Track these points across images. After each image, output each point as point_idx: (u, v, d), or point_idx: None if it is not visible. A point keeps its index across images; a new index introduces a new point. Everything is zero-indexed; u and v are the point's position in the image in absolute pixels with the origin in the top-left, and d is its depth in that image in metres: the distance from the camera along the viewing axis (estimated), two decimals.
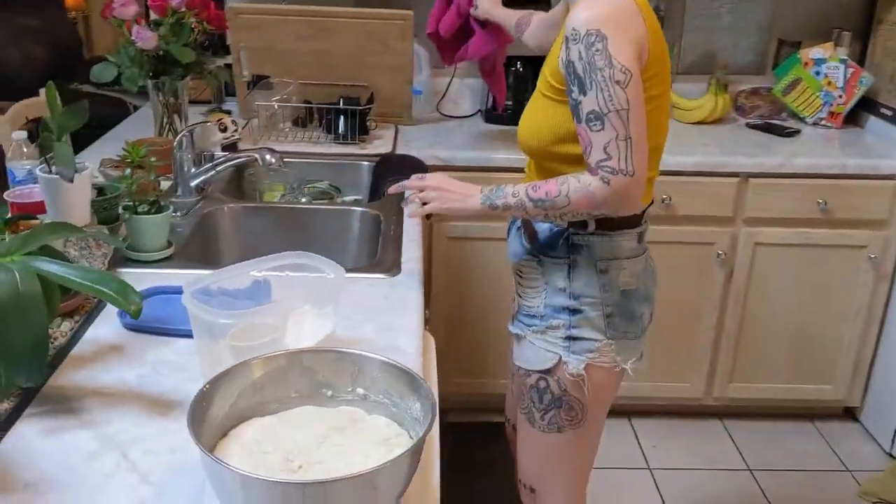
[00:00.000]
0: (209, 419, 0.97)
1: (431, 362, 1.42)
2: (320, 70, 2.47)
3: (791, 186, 2.50)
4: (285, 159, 2.28)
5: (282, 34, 2.45)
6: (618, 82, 1.26)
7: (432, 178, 1.53)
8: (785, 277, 2.61)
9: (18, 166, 1.64)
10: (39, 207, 1.52)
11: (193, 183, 1.90)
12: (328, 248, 1.92)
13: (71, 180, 1.41)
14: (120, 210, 1.61)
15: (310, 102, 2.42)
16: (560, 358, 1.49)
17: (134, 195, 1.59)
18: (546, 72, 1.41)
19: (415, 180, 1.54)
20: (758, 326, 2.68)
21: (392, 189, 1.60)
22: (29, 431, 1.08)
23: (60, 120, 1.43)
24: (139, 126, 2.52)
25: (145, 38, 1.97)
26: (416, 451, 0.92)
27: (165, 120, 2.14)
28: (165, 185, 1.97)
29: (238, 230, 1.90)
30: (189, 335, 1.22)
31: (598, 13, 1.27)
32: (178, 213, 1.83)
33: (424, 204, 1.51)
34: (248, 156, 1.83)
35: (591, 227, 1.43)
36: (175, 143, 1.88)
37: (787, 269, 2.61)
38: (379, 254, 1.69)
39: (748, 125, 2.82)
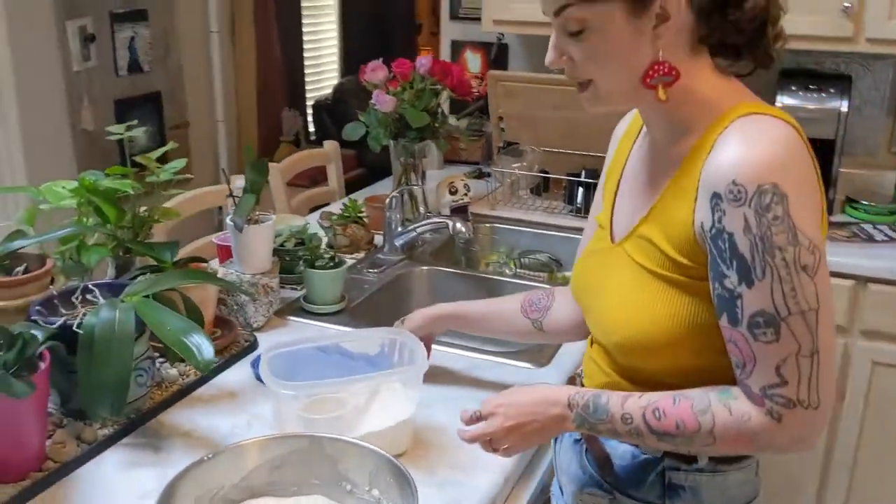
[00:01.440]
0: (204, 496, 0.96)
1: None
2: (569, 139, 2.40)
3: None
4: (517, 227, 2.28)
5: (537, 102, 2.43)
6: (804, 268, 0.85)
7: (494, 418, 1.03)
8: None
9: None
10: None
11: (398, 242, 1.95)
12: None
13: (240, 230, 1.52)
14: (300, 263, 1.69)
15: (546, 172, 2.36)
16: None
17: (313, 249, 1.68)
18: (655, 236, 0.97)
19: (473, 429, 1.05)
20: None
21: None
22: (111, 460, 1.18)
23: (250, 174, 1.56)
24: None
25: (383, 102, 2.08)
26: None
27: (403, 179, 2.23)
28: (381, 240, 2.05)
29: (429, 292, 1.90)
30: None
31: (770, 158, 0.86)
32: (375, 270, 1.89)
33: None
34: (440, 222, 1.84)
35: (703, 460, 1.01)
36: (386, 203, 1.95)
37: None
38: None
39: None
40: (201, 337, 1.16)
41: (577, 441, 1.13)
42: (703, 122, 0.95)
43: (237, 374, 1.43)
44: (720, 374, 0.94)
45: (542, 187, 2.40)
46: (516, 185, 2.38)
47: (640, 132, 1.09)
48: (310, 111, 4.57)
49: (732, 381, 0.93)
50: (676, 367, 0.97)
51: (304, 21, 4.54)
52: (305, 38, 4.55)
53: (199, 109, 3.83)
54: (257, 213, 1.58)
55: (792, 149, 0.88)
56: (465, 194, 2.24)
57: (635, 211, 1.03)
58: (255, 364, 1.44)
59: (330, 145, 2.69)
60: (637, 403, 0.95)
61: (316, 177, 3.04)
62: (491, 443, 1.04)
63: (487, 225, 2.26)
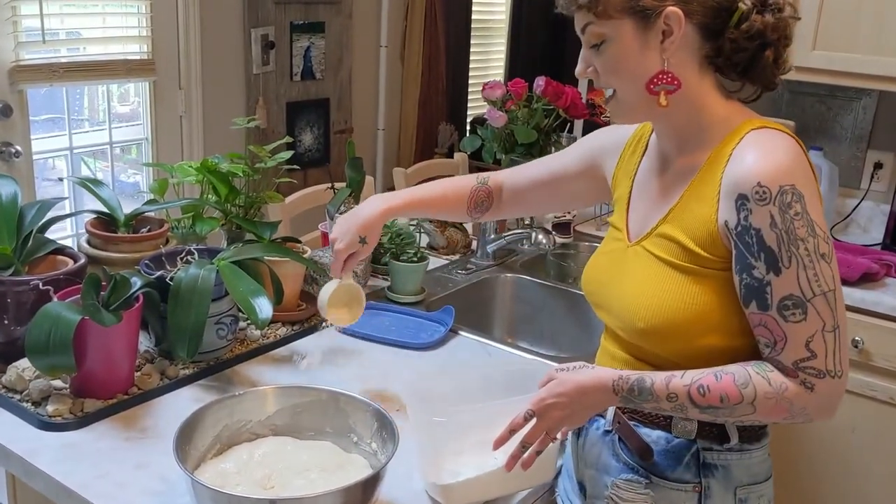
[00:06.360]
0: (232, 424, 1.15)
1: None
2: None
3: None
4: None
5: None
6: (822, 255, 0.99)
7: (540, 405, 1.10)
8: None
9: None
10: None
11: (490, 248, 2.08)
12: (583, 335, 1.93)
13: (332, 218, 1.72)
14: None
15: None
16: None
17: (399, 245, 1.85)
18: (677, 233, 1.09)
19: (523, 422, 1.11)
20: None
21: (499, 442, 1.13)
22: (186, 395, 1.39)
23: (348, 170, 1.76)
24: None
25: (495, 118, 2.22)
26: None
27: None
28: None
29: (509, 298, 2.02)
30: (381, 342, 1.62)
31: (787, 164, 1.00)
32: (463, 271, 2.04)
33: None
34: (525, 232, 1.95)
35: (734, 439, 1.12)
36: None
37: None
38: None
39: None
40: (265, 301, 1.36)
41: (606, 433, 1.18)
42: (718, 136, 1.07)
43: (309, 342, 1.62)
44: (725, 355, 1.06)
45: None
46: None
47: (646, 147, 1.21)
48: (468, 126, 4.78)
49: (734, 361, 1.05)
50: (689, 347, 1.08)
51: (473, 42, 4.76)
52: (473, 58, 4.76)
53: (363, 117, 4.13)
54: (352, 205, 1.77)
55: (799, 157, 1.02)
56: (569, 212, 2.33)
57: (650, 214, 1.15)
58: None
59: (459, 156, 2.87)
60: (681, 383, 1.05)
61: None
62: (549, 432, 1.11)
63: (587, 243, 2.34)
